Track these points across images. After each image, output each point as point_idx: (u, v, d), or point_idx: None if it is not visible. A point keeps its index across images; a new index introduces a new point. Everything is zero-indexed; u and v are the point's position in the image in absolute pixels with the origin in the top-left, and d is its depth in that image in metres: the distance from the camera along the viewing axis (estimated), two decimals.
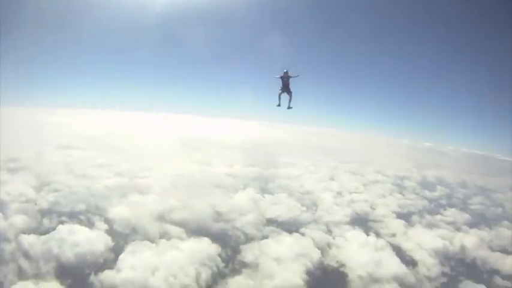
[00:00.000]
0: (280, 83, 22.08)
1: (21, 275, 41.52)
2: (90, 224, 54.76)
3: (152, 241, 51.43)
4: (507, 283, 54.08)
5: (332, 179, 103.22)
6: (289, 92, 21.86)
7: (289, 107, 22.34)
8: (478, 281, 53.26)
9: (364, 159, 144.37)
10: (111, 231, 53.63)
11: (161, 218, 60.43)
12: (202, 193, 73.79)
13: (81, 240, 47.85)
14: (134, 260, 45.41)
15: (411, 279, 51.27)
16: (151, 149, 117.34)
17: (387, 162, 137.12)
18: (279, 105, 22.60)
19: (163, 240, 52.09)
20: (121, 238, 52.11)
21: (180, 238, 53.82)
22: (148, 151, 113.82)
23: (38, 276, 41.52)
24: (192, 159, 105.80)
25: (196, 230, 57.07)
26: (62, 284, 40.63)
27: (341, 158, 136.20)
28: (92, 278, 42.31)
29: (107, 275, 42.73)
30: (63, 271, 42.94)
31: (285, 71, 21.59)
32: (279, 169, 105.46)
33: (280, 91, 21.95)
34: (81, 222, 54.67)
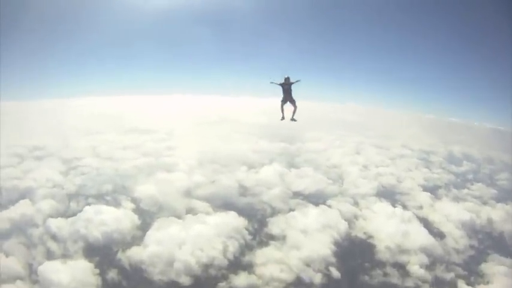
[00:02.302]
0: (281, 91, 20.93)
1: (49, 256, 44.08)
2: (116, 204, 56.81)
3: (179, 217, 53.37)
4: None
5: (358, 153, 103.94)
6: (292, 102, 20.88)
7: (292, 119, 21.69)
8: (506, 255, 53.97)
9: (389, 134, 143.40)
10: (138, 210, 55.74)
11: (187, 194, 62.28)
12: (228, 169, 75.75)
13: (108, 219, 50.01)
14: (161, 236, 47.48)
15: (439, 250, 52.40)
16: (175, 129, 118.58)
17: (412, 137, 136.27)
18: (282, 118, 21.93)
19: (189, 216, 54.03)
20: (148, 216, 54.22)
21: (207, 213, 55.72)
22: (172, 131, 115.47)
23: (66, 256, 43.96)
24: (216, 137, 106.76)
25: (222, 205, 58.95)
26: (90, 261, 42.96)
27: (365, 132, 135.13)
28: (120, 254, 44.69)
29: (134, 251, 45.06)
30: (90, 250, 45.40)
31: (286, 77, 20.40)
32: (304, 144, 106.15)
33: (282, 102, 20.97)
34: (107, 203, 56.91)
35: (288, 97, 20.65)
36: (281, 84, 20.44)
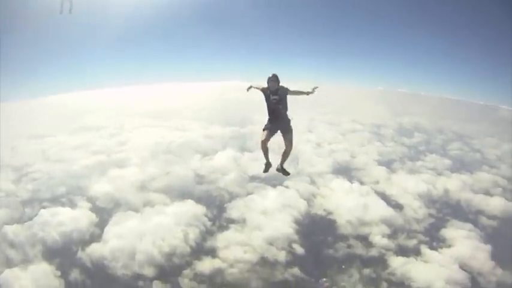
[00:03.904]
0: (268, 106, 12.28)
1: (9, 263, 43.38)
2: (72, 205, 56.40)
3: (137, 211, 53.94)
4: (492, 222, 58.38)
5: (310, 131, 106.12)
6: (287, 135, 12.29)
7: (281, 169, 13.06)
8: (464, 220, 57.53)
9: (339, 109, 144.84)
10: (94, 208, 55.64)
11: (143, 187, 62.65)
12: (182, 158, 76.39)
13: (65, 220, 50.01)
14: (120, 230, 48.01)
15: (399, 221, 55.05)
16: (125, 123, 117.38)
17: (362, 111, 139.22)
18: (267, 167, 13.05)
19: (147, 208, 54.56)
20: (105, 213, 54.28)
21: (164, 204, 56.38)
22: (122, 125, 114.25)
23: (25, 262, 43.50)
24: (167, 127, 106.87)
25: (179, 195, 59.45)
26: (50, 264, 42.99)
27: (316, 109, 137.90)
28: (80, 253, 44.78)
29: (95, 248, 45.38)
30: (50, 252, 45.24)
31: (271, 77, 11.86)
32: (255, 126, 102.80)
33: (267, 132, 12.10)
34: (63, 205, 56.31)
35: (279, 123, 12.20)
36: (266, 93, 12.14)
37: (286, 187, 62.96)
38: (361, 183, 67.76)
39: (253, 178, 67.19)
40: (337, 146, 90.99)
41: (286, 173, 13.28)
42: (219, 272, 43.28)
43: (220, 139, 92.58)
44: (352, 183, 66.34)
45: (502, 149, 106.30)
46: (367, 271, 44.87)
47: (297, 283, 42.66)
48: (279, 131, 12.54)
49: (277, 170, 13.26)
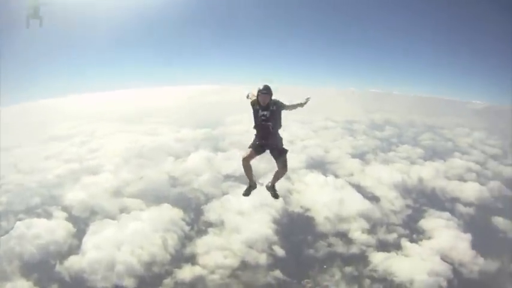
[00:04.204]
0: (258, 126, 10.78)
1: None
2: (48, 215, 54.49)
3: (113, 218, 52.66)
4: (469, 209, 59.22)
5: (281, 130, 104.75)
6: (279, 155, 10.80)
7: (272, 189, 11.72)
8: (441, 209, 58.14)
9: (311, 109, 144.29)
10: (70, 218, 53.88)
11: (118, 193, 61.18)
12: (155, 162, 74.92)
13: (42, 232, 48.13)
14: (98, 240, 46.54)
15: (377, 214, 55.18)
16: (96, 129, 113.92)
17: (335, 110, 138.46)
18: (247, 193, 11.71)
19: (123, 215, 53.42)
20: (81, 222, 52.72)
21: (140, 209, 55.22)
22: (93, 132, 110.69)
23: (2, 279, 41.83)
24: (138, 132, 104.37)
25: (154, 199, 58.34)
26: (28, 280, 41.35)
27: (287, 111, 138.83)
28: (58, 267, 43.16)
29: (73, 261, 43.80)
30: (27, 267, 43.47)
31: (262, 89, 10.27)
32: (226, 127, 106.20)
33: (253, 150, 10.71)
34: (39, 216, 54.32)
35: (268, 142, 10.76)
36: (255, 108, 10.66)
37: (261, 184, 61.10)
38: (336, 176, 67.66)
39: (227, 177, 66.70)
40: (310, 142, 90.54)
41: (275, 195, 11.95)
42: (200, 279, 42.47)
43: (192, 141, 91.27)
44: (326, 176, 66.09)
45: (473, 137, 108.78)
46: (348, 269, 44.55)
47: (279, 286, 42.10)
48: (267, 151, 11.13)
49: (267, 187, 11.96)
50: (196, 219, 53.66)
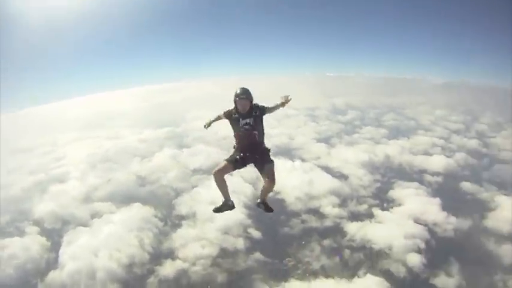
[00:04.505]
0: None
1: None
2: (20, 233, 53.20)
3: (85, 225, 51.98)
4: (437, 178, 61.76)
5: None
6: (263, 164, 10.03)
7: (263, 204, 10.72)
8: (409, 180, 60.34)
9: (269, 98, 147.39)
10: (43, 231, 52.84)
11: (87, 199, 60.64)
12: (120, 164, 74.91)
13: (17, 251, 47.01)
14: (74, 250, 45.84)
15: (346, 190, 56.55)
16: (57, 139, 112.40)
17: (294, 97, 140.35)
18: (219, 209, 10.84)
19: (96, 220, 52.85)
20: (55, 234, 51.77)
21: (111, 212, 54.92)
22: (56, 141, 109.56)
23: None
24: (100, 137, 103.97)
25: (124, 200, 58.13)
26: None
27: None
28: (40, 286, 42.32)
29: (53, 276, 42.98)
30: None
31: (240, 93, 9.73)
32: (188, 124, 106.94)
33: (228, 161, 10.04)
34: (11, 234, 52.93)
35: (252, 154, 10.06)
36: (233, 118, 9.86)
37: (230, 174, 62.09)
38: (303, 160, 68.71)
39: (195, 171, 67.19)
40: (274, 131, 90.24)
41: (269, 209, 10.73)
42: (182, 273, 42.46)
43: (156, 141, 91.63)
44: (293, 161, 66.78)
45: (435, 114, 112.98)
46: (327, 242, 45.40)
47: (261, 267, 42.55)
48: (249, 165, 10.20)
49: (258, 205, 10.80)
50: (168, 215, 53.82)
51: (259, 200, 10.77)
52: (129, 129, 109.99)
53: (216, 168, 9.87)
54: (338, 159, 69.72)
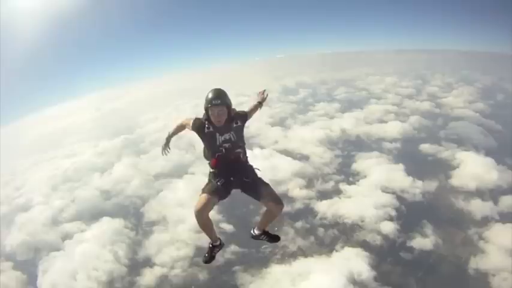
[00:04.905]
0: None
1: None
2: None
3: (58, 249, 50.72)
4: (395, 144, 63.60)
5: (199, 115, 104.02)
6: (255, 186, 7.79)
7: (264, 234, 8.55)
8: (370, 150, 61.77)
9: (224, 88, 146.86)
10: (17, 265, 50.98)
11: (55, 222, 58.96)
12: (82, 182, 72.92)
13: None
14: (51, 278, 44.87)
15: (310, 170, 57.34)
16: (15, 166, 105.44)
17: (244, 84, 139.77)
18: (208, 259, 8.41)
19: (67, 242, 51.68)
20: (30, 265, 50.13)
21: (82, 230, 53.77)
22: (13, 171, 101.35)
23: None
24: (58, 157, 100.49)
25: (92, 217, 57.02)
26: None
27: (199, 94, 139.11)
28: None
29: None
30: None
31: (214, 98, 7.28)
32: (143, 128, 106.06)
33: (209, 192, 7.39)
34: None
35: (237, 177, 7.78)
36: (204, 131, 7.55)
37: (192, 173, 63.10)
38: (261, 147, 68.72)
39: (157, 176, 66.62)
40: None
41: (275, 237, 8.49)
42: (164, 278, 42.38)
43: (113, 151, 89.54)
44: (252, 150, 66.23)
45: (385, 82, 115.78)
46: (299, 224, 45.87)
47: (240, 259, 42.87)
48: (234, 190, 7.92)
49: (256, 237, 8.47)
50: (138, 223, 53.38)
51: (257, 232, 8.36)
52: (84, 144, 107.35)
53: (197, 207, 7.06)
54: (296, 140, 70.21)
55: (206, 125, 7.39)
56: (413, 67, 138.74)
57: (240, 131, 7.63)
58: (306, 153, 64.05)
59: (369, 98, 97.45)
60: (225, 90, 7.26)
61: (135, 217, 54.86)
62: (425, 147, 61.21)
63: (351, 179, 53.85)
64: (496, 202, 45.58)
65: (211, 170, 7.77)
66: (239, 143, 7.59)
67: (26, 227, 58.20)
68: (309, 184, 53.63)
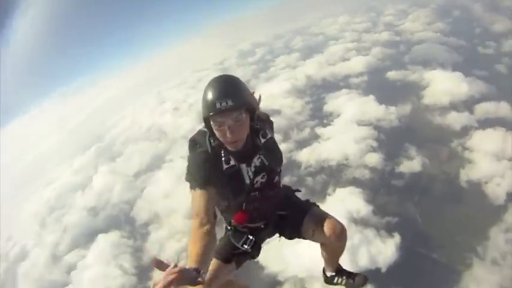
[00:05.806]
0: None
1: None
2: None
3: (67, 283, 49.70)
4: (362, 78, 64.28)
5: (163, 102, 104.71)
6: (302, 219, 4.27)
7: (348, 274, 4.84)
8: (338, 89, 62.31)
9: (178, 70, 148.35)
10: None
11: (55, 259, 56.97)
12: (67, 207, 70.72)
13: None
14: None
15: (283, 122, 56.64)
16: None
17: (198, 58, 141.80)
18: None
19: (73, 273, 50.54)
20: None
21: (82, 256, 52.77)
22: None
23: None
24: (40, 187, 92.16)
25: (88, 239, 56.18)
26: None
27: (157, 82, 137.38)
28: None
29: None
30: None
31: (213, 95, 3.36)
32: (111, 131, 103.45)
33: (224, 257, 4.13)
34: None
35: (270, 217, 4.30)
36: (227, 162, 3.64)
37: (171, 161, 63.44)
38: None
39: (137, 175, 66.31)
40: (192, 98, 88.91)
41: (361, 279, 4.79)
42: None
43: (88, 164, 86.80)
44: None
45: (339, 22, 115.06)
46: (286, 179, 44.37)
47: None
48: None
49: (328, 281, 5.15)
50: (133, 229, 52.94)
51: (331, 273, 5.10)
52: (59, 167, 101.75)
53: (208, 277, 3.80)
54: (263, 98, 69.06)
55: (223, 157, 3.68)
56: (363, 1, 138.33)
57: (270, 146, 4.07)
58: (276, 107, 62.61)
59: (327, 41, 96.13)
60: (237, 78, 3.67)
61: (128, 224, 54.52)
62: (392, 74, 61.52)
63: (325, 121, 53.99)
64: (471, 112, 46.31)
65: (229, 227, 4.47)
66: (274, 166, 4.04)
67: (30, 275, 57.46)
68: (286, 137, 53.22)
